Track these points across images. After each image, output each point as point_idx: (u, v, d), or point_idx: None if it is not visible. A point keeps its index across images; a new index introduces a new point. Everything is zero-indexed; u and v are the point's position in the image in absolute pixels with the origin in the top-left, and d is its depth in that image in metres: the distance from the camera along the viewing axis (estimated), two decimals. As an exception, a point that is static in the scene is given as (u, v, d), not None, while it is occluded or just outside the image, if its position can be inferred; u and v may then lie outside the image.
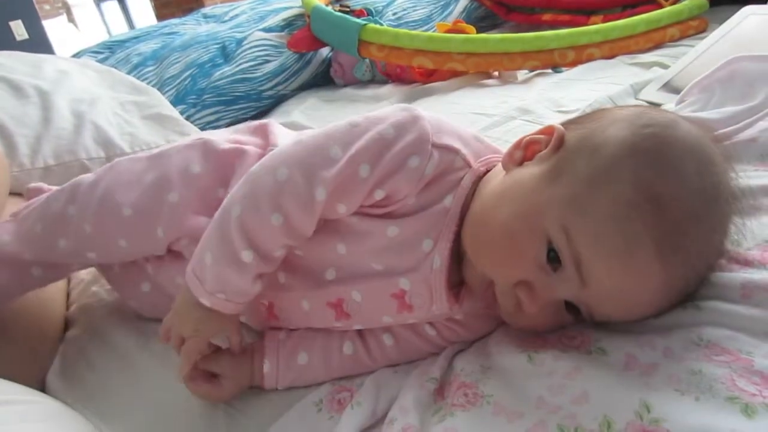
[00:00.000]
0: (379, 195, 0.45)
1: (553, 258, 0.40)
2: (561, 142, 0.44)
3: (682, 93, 0.75)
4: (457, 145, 0.46)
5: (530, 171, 0.44)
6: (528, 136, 0.46)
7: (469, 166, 0.47)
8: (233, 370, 0.50)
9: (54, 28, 4.47)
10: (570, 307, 0.42)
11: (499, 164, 0.48)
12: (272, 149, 0.55)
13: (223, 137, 0.59)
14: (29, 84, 0.95)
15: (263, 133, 0.60)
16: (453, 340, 0.50)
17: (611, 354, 0.41)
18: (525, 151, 0.46)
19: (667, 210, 0.38)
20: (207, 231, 0.47)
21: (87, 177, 0.58)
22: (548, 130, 0.45)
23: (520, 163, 0.45)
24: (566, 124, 0.46)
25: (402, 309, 0.48)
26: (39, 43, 3.68)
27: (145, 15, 5.12)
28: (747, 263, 0.44)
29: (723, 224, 0.41)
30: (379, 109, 1.29)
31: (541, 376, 0.41)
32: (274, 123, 0.62)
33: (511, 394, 0.41)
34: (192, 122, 1.25)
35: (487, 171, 0.48)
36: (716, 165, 0.40)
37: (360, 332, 0.52)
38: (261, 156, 0.56)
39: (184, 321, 0.48)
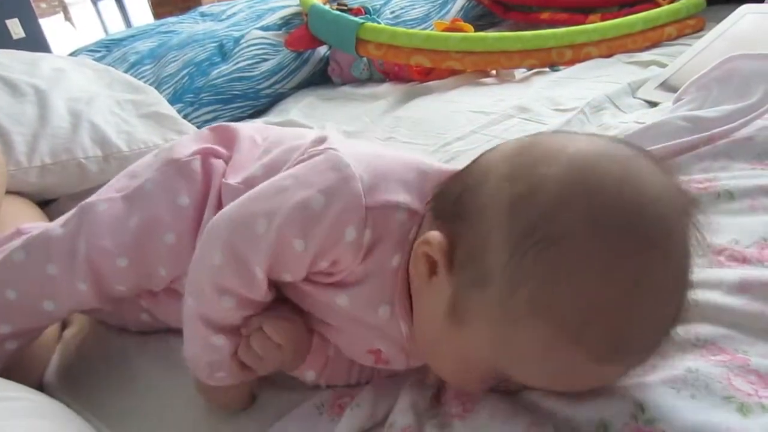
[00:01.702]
0: (323, 265, 0.42)
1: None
2: (450, 262, 0.38)
3: (679, 91, 0.75)
4: (396, 197, 0.42)
5: (437, 304, 0.39)
6: (419, 246, 0.39)
7: (415, 214, 0.42)
8: (291, 337, 0.47)
9: (51, 26, 4.46)
10: None
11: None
12: (228, 183, 0.52)
13: (187, 149, 0.55)
14: (26, 82, 0.95)
15: (230, 142, 0.57)
16: None
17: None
18: (427, 264, 0.39)
19: (592, 330, 0.32)
20: (184, 316, 0.46)
21: (54, 230, 0.53)
22: (431, 243, 0.38)
23: (429, 277, 0.39)
24: (448, 216, 0.39)
25: (379, 362, 0.47)
26: (35, 42, 3.67)
27: (142, 13, 5.10)
28: (745, 261, 0.44)
29: (677, 275, 0.34)
30: (375, 106, 1.27)
31: None
32: (240, 130, 0.58)
33: (506, 397, 0.41)
34: (189, 121, 1.24)
35: None
36: (642, 218, 0.32)
37: None
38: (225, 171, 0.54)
39: (207, 398, 0.50)
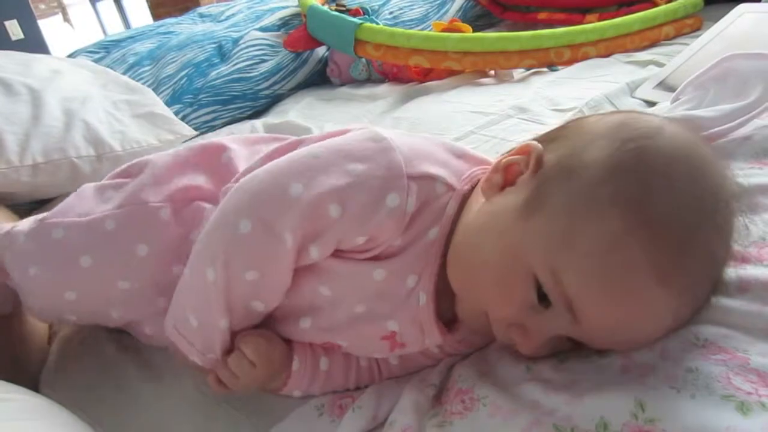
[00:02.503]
0: (360, 240, 0.41)
1: (543, 297, 0.37)
2: (539, 163, 0.40)
3: (677, 91, 0.75)
4: (434, 170, 0.43)
5: (509, 201, 0.40)
6: (505, 157, 0.43)
7: (452, 189, 0.43)
8: (266, 356, 0.47)
9: (49, 27, 4.45)
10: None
11: (478, 189, 0.45)
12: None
13: (162, 190, 0.51)
14: (20, 82, 0.95)
15: (219, 167, 0.52)
16: (454, 353, 0.49)
17: (608, 355, 0.40)
18: (504, 175, 0.42)
19: (662, 233, 0.34)
20: (183, 288, 0.45)
21: (18, 238, 0.52)
22: (525, 150, 0.42)
23: (501, 188, 0.42)
24: (544, 140, 0.43)
25: (394, 347, 0.46)
26: (34, 43, 3.67)
27: (140, 14, 5.10)
28: (744, 260, 0.44)
29: (726, 229, 0.38)
30: (374, 107, 1.27)
31: (537, 382, 0.41)
32: (230, 147, 0.54)
33: (506, 395, 0.41)
34: (188, 122, 1.24)
35: (473, 188, 0.44)
36: (710, 166, 0.38)
37: None
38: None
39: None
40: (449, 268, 0.43)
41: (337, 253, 0.43)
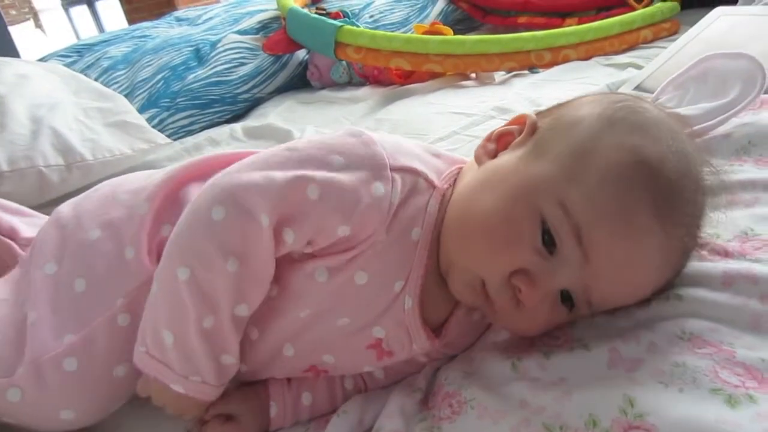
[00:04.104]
0: (343, 231, 0.40)
1: (548, 241, 0.38)
2: (534, 128, 0.43)
3: (657, 91, 0.75)
4: (416, 165, 0.43)
5: (508, 157, 0.42)
6: (499, 128, 0.45)
7: (432, 186, 0.43)
8: (248, 408, 0.46)
9: (21, 34, 4.37)
10: (563, 300, 0.40)
11: (468, 164, 0.45)
12: None
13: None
14: (-16, 88, 0.92)
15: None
16: (440, 358, 0.48)
17: (594, 350, 0.40)
18: (498, 143, 0.44)
19: (661, 170, 0.37)
20: (151, 301, 0.41)
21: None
22: (519, 120, 0.44)
23: (495, 155, 0.44)
24: (536, 113, 0.45)
25: (382, 356, 0.45)
26: (5, 50, 3.54)
27: (115, 20, 5.03)
28: (727, 254, 0.45)
29: (704, 185, 0.41)
30: (355, 109, 1.27)
31: (524, 380, 0.40)
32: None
33: (494, 396, 0.40)
34: (165, 126, 1.22)
35: (451, 187, 0.44)
36: (683, 134, 0.41)
37: None
38: None
39: (166, 405, 0.43)
40: (444, 238, 0.42)
41: (318, 254, 0.41)
